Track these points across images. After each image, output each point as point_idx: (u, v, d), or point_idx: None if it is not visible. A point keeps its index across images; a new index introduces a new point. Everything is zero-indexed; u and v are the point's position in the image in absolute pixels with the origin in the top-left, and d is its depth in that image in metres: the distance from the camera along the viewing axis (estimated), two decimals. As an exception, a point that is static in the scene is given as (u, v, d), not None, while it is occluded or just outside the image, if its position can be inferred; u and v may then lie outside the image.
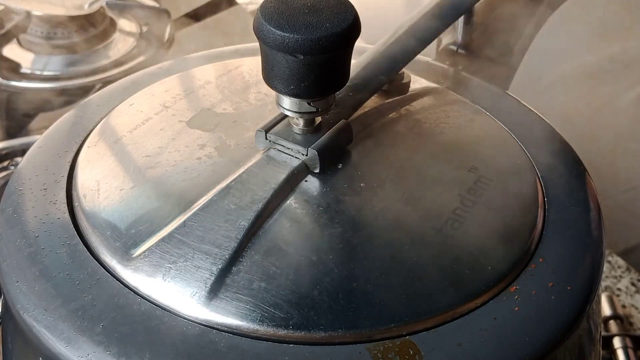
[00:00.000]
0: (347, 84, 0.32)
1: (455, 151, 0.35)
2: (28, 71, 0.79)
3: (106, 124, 0.37)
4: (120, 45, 0.83)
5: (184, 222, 0.30)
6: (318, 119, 0.33)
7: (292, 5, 0.29)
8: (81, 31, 0.82)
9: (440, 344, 0.27)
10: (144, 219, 0.31)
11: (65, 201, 0.32)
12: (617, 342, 0.57)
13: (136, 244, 0.30)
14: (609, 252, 0.67)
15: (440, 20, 0.40)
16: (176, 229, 0.30)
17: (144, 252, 0.29)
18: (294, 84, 0.30)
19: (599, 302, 0.34)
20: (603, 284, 0.58)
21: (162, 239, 0.29)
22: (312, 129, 0.33)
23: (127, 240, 0.30)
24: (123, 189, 0.32)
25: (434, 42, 0.42)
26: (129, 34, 0.86)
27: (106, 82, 0.60)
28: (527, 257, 0.31)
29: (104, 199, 0.32)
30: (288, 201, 0.31)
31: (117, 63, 0.81)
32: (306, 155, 0.32)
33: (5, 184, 0.34)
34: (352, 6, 0.30)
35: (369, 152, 0.34)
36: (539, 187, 0.34)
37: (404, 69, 0.39)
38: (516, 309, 0.28)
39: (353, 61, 0.32)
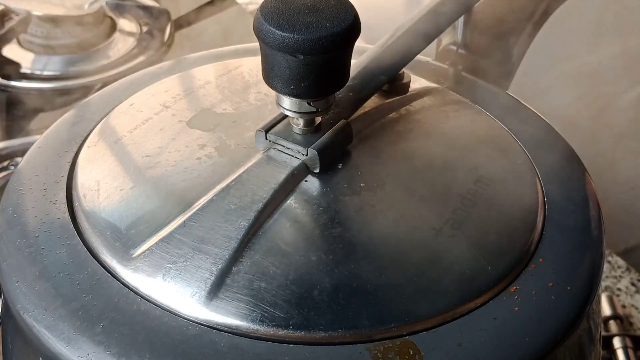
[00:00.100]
0: (347, 84, 0.32)
1: (455, 151, 0.35)
2: (28, 71, 0.79)
3: (106, 124, 0.37)
4: (120, 45, 0.83)
5: (184, 222, 0.30)
6: (318, 119, 0.33)
7: (292, 5, 0.29)
8: (81, 31, 0.82)
9: (440, 344, 0.27)
10: (144, 219, 0.31)
11: (65, 201, 0.32)
12: (617, 342, 0.57)
13: (136, 244, 0.30)
14: (609, 252, 0.67)
15: (440, 20, 0.40)
16: (176, 229, 0.30)
17: (144, 252, 0.29)
18: (294, 84, 0.30)
19: (599, 302, 0.34)
20: (603, 284, 0.58)
21: (162, 239, 0.29)
22: (312, 129, 0.33)
23: (127, 241, 0.30)
24: (123, 189, 0.32)
25: (434, 42, 0.42)
26: (129, 34, 0.86)
27: (106, 82, 0.60)
28: (527, 257, 0.31)
29: (104, 199, 0.32)
30: (288, 201, 0.31)
31: (117, 63, 0.80)
32: (306, 155, 0.32)
33: (5, 184, 0.34)
34: (352, 6, 0.30)
35: (369, 152, 0.34)
36: (539, 187, 0.34)
37: (404, 69, 0.39)
38: (516, 309, 0.28)
39: (353, 61, 0.32)
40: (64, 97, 0.76)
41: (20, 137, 0.71)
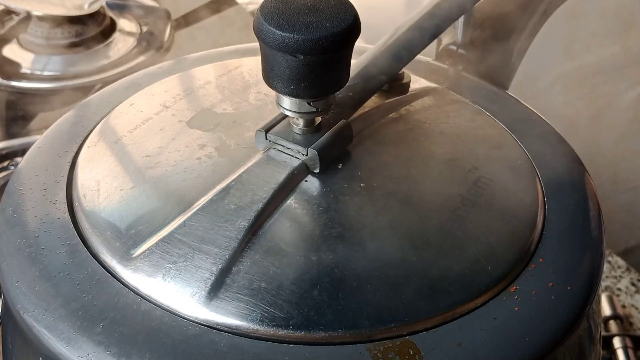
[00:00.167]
0: (347, 84, 0.32)
1: (455, 151, 0.35)
2: (28, 71, 0.79)
3: (106, 124, 0.37)
4: (120, 45, 0.83)
5: (184, 222, 0.30)
6: (318, 119, 0.33)
7: (292, 5, 0.29)
8: (81, 31, 0.82)
9: (440, 344, 0.27)
10: (144, 219, 0.31)
11: (65, 201, 0.32)
12: (617, 342, 0.57)
13: (136, 244, 0.30)
14: (609, 252, 0.67)
15: (440, 20, 0.40)
16: (176, 229, 0.30)
17: (144, 252, 0.29)
18: (294, 84, 0.30)
19: (599, 302, 0.34)
20: (603, 284, 0.58)
21: (162, 239, 0.29)
22: (312, 129, 0.33)
23: (127, 240, 0.30)
24: (123, 189, 0.32)
25: (434, 42, 0.42)
26: (129, 34, 0.86)
27: (106, 82, 0.60)
28: (527, 257, 0.31)
29: (104, 199, 0.32)
30: (288, 201, 0.31)
31: (117, 63, 0.80)
32: (306, 155, 0.32)
33: (5, 184, 0.34)
34: (352, 6, 0.30)
35: (369, 152, 0.34)
36: (539, 187, 0.34)
37: (404, 69, 0.39)
38: (516, 309, 0.28)
39: (353, 61, 0.32)
40: (64, 97, 0.76)
41: (20, 137, 0.71)
